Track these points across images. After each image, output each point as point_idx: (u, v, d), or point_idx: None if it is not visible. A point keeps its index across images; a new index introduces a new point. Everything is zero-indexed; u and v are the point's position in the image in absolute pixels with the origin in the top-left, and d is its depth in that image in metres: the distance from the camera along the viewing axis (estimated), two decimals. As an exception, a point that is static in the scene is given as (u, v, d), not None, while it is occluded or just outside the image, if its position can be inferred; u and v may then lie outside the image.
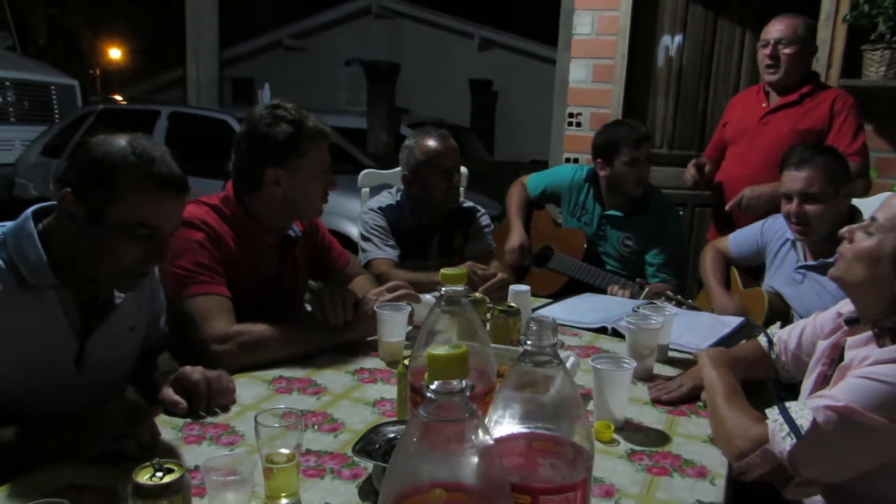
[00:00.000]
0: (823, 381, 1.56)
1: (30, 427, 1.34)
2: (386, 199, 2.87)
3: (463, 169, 2.90)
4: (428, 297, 2.11)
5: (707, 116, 4.14)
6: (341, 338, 1.96)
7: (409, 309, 1.96)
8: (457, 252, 2.83)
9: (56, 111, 8.42)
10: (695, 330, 2.22)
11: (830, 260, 1.62)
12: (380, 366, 1.89)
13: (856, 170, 2.77)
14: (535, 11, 12.61)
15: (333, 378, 1.79)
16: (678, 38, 4.18)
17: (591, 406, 1.60)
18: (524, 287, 2.22)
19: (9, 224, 1.49)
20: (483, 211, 2.98)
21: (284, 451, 1.20)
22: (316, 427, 1.51)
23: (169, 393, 1.55)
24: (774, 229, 2.72)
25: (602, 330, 2.28)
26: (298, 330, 1.94)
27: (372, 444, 1.27)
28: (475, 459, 0.78)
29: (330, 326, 1.94)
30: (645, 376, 1.85)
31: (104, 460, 1.29)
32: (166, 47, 17.39)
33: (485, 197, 5.90)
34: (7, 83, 7.96)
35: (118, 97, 11.52)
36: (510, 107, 16.18)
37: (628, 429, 1.56)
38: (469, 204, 2.95)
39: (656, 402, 1.72)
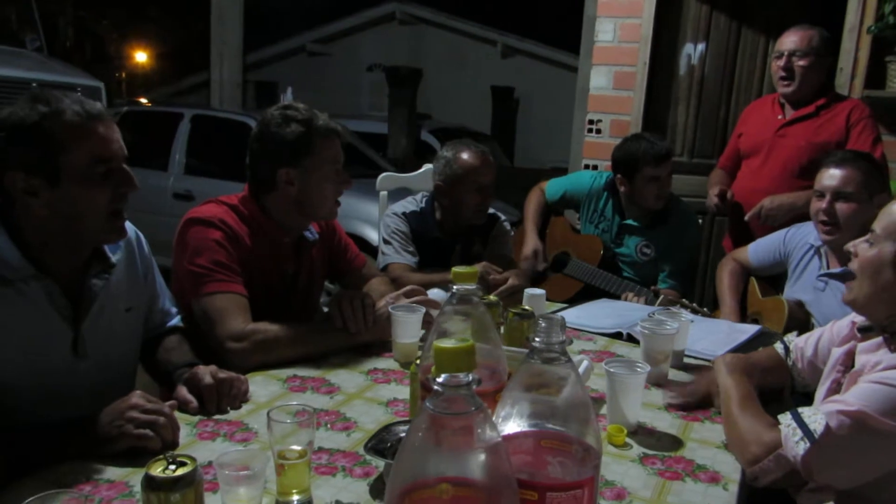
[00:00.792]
0: (837, 389, 1.56)
1: (53, 428, 1.35)
2: (410, 204, 2.86)
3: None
4: (436, 291, 2.11)
5: (728, 125, 4.11)
6: (355, 339, 1.97)
7: (424, 310, 1.97)
8: (476, 259, 2.82)
9: (82, 113, 8.46)
10: (711, 337, 2.21)
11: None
12: (393, 366, 1.90)
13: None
14: (558, 19, 12.59)
15: (347, 377, 1.80)
16: (701, 47, 4.17)
17: (604, 410, 1.60)
18: (539, 291, 2.21)
19: None
20: (504, 218, 2.98)
21: (296, 447, 1.21)
22: (329, 425, 1.52)
23: (182, 392, 1.57)
24: (798, 238, 2.70)
25: (617, 335, 2.27)
26: (313, 330, 1.96)
27: (383, 443, 1.28)
28: (482, 454, 0.78)
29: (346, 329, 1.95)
30: (659, 382, 1.85)
31: (120, 455, 1.31)
32: (191, 51, 17.59)
33: (504, 203, 5.90)
34: (34, 84, 8.07)
35: (143, 100, 11.63)
36: (531, 114, 16.17)
37: (641, 433, 1.55)
38: (491, 210, 2.94)
39: (670, 407, 1.71)
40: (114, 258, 1.64)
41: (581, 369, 1.65)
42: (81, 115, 1.46)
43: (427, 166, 3.21)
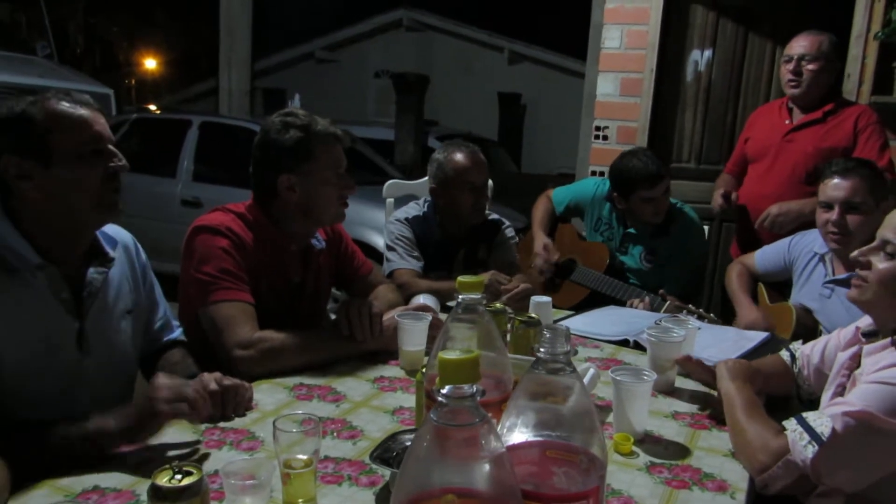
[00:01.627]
0: (842, 392, 1.56)
1: (83, 423, 1.35)
2: (413, 210, 2.88)
3: (489, 182, 2.90)
4: (423, 297, 2.11)
5: (735, 132, 4.11)
6: (362, 347, 1.97)
7: (430, 318, 1.97)
8: (481, 264, 2.83)
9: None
10: (719, 344, 2.20)
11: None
12: (399, 374, 1.90)
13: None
14: (564, 25, 12.62)
15: (353, 386, 1.80)
16: (707, 53, 4.18)
17: (610, 418, 1.60)
18: (545, 298, 2.21)
19: None
20: (508, 223, 2.98)
21: (302, 456, 1.21)
22: (335, 434, 1.51)
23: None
24: (802, 245, 2.70)
25: (624, 342, 2.26)
26: (320, 338, 1.96)
27: (389, 452, 1.28)
28: (486, 465, 0.78)
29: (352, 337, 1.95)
30: (666, 389, 1.84)
31: (127, 464, 1.32)
32: (200, 58, 17.66)
33: (511, 210, 5.91)
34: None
35: (152, 107, 11.67)
36: (538, 120, 16.18)
37: (648, 441, 1.54)
38: (494, 216, 2.96)
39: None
40: (112, 253, 1.66)
41: (587, 377, 1.65)
42: (68, 101, 1.53)
43: (433, 173, 3.21)
